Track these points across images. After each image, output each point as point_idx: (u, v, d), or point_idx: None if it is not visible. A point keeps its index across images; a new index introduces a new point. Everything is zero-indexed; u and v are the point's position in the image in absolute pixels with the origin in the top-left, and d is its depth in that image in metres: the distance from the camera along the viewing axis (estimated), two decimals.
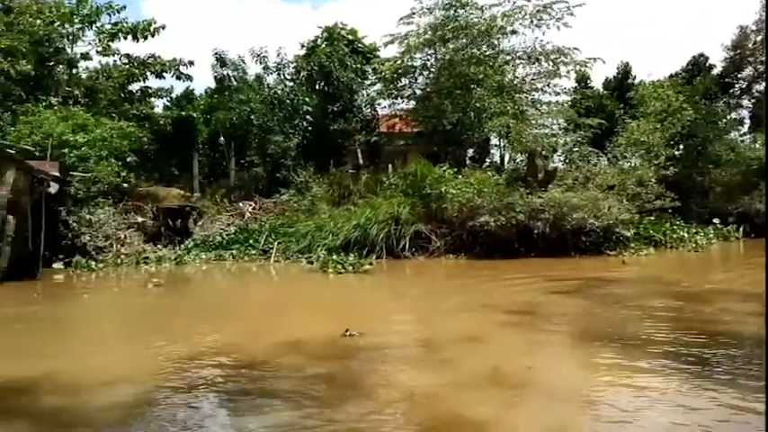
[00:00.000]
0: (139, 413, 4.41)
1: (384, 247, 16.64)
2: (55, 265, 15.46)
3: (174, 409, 4.47)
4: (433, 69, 24.23)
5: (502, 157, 24.99)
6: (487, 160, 24.94)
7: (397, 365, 5.64)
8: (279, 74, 25.21)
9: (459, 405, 4.34)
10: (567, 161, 21.27)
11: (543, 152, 18.92)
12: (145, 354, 6.33)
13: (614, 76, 30.10)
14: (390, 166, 23.24)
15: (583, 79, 27.46)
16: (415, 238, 17.05)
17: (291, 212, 19.51)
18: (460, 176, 18.12)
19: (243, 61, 24.31)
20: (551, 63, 22.78)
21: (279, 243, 17.53)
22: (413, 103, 25.03)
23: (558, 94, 23.66)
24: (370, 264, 14.69)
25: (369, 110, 25.63)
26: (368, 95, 25.63)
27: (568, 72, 22.84)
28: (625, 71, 30.06)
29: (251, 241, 18.03)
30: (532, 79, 23.52)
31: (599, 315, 8.15)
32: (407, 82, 24.99)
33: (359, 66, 25.19)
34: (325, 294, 11.76)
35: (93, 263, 15.73)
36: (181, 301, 11.23)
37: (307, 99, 24.04)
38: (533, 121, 20.83)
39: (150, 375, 5.24)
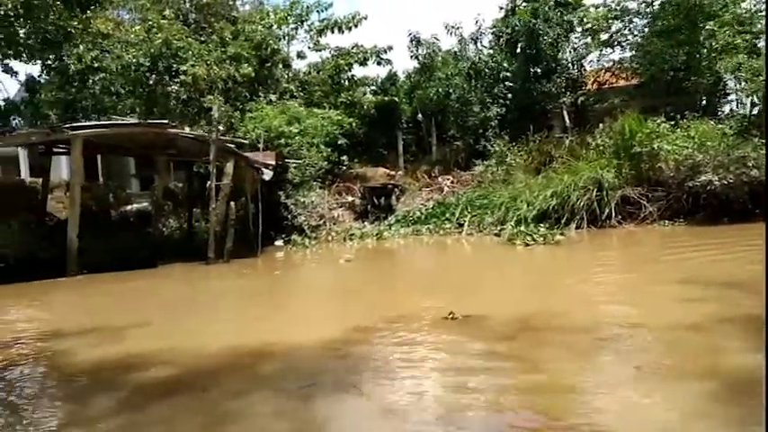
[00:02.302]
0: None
1: (585, 215, 15.22)
2: (276, 243, 17.43)
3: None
4: (652, 7, 21.16)
5: (738, 104, 20.79)
6: (720, 109, 20.94)
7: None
8: (476, 43, 24.65)
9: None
10: None
11: None
12: (321, 322, 6.66)
13: None
14: (601, 126, 21.08)
15: None
16: (623, 204, 15.22)
17: (488, 184, 19.01)
18: (678, 130, 15.53)
19: (437, 39, 24.37)
20: None
21: (474, 215, 17.25)
22: (627, 53, 22.24)
23: None
24: (562, 234, 13.52)
25: (575, 67, 23.53)
26: (574, 50, 23.51)
27: None
28: None
29: (447, 215, 18.09)
30: None
31: None
32: (621, 27, 22.27)
33: (564, 18, 23.18)
34: (503, 268, 11.15)
35: (307, 240, 17.37)
36: (365, 275, 11.70)
37: (506, 65, 23.05)
38: None
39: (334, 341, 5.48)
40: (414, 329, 5.71)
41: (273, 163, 16.55)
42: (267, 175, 16.08)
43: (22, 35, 14.50)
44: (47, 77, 17.09)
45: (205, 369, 4.81)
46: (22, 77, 17.29)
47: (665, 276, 8.13)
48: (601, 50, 22.69)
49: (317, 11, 24.28)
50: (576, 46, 23.68)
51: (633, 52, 22.02)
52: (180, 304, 8.79)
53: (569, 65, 23.57)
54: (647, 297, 6.95)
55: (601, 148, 17.63)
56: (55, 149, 15.37)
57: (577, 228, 15.04)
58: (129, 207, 19.53)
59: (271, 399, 4.03)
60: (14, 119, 16.91)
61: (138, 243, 15.01)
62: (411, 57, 24.77)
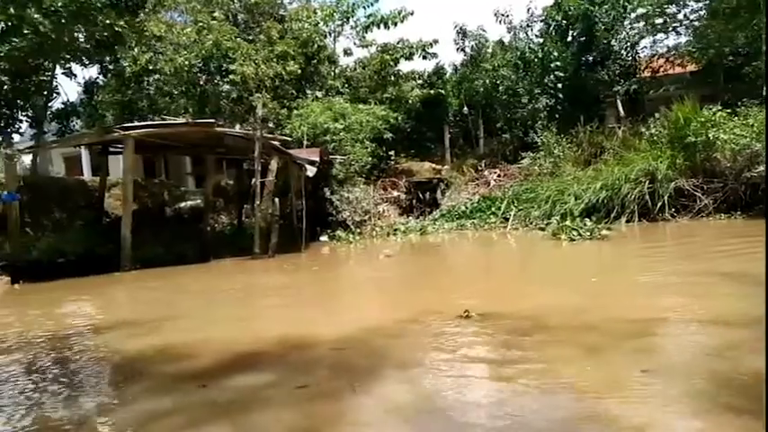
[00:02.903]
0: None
1: (636, 208, 14.70)
2: (321, 239, 17.67)
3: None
4: None
5: None
6: None
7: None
8: (526, 32, 24.14)
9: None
10: None
11: None
12: (345, 319, 6.71)
13: None
14: (656, 115, 20.26)
15: None
16: (676, 197, 14.62)
17: (535, 177, 18.62)
18: (736, 118, 14.74)
19: (483, 30, 24.02)
20: None
21: (519, 209, 16.94)
22: (682, 38, 21.24)
23: None
24: (609, 229, 13.07)
25: (628, 54, 22.63)
26: (627, 35, 22.61)
27: None
28: None
29: (493, 209, 17.87)
30: None
31: None
32: (676, 11, 21.26)
33: (619, 1, 22.29)
34: (540, 264, 10.90)
35: (351, 235, 17.50)
36: (401, 270, 11.65)
37: (555, 53, 22.45)
38: None
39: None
40: (425, 328, 5.65)
41: (317, 159, 16.78)
42: (310, 171, 16.31)
43: (81, 39, 15.22)
44: (104, 80, 17.93)
45: (221, 363, 4.93)
46: (81, 80, 18.19)
47: (711, 273, 7.70)
48: (655, 36, 21.71)
49: (363, 7, 24.36)
50: (628, 32, 22.76)
51: (689, 37, 20.99)
52: (217, 298, 9.03)
53: (622, 51, 22.72)
54: (686, 294, 6.62)
55: (654, 138, 16.97)
56: (111, 149, 16.12)
57: (628, 222, 14.59)
58: (183, 204, 20.26)
59: (277, 395, 4.10)
60: (73, 121, 17.82)
61: (191, 239, 15.58)
62: (457, 49, 24.58)
